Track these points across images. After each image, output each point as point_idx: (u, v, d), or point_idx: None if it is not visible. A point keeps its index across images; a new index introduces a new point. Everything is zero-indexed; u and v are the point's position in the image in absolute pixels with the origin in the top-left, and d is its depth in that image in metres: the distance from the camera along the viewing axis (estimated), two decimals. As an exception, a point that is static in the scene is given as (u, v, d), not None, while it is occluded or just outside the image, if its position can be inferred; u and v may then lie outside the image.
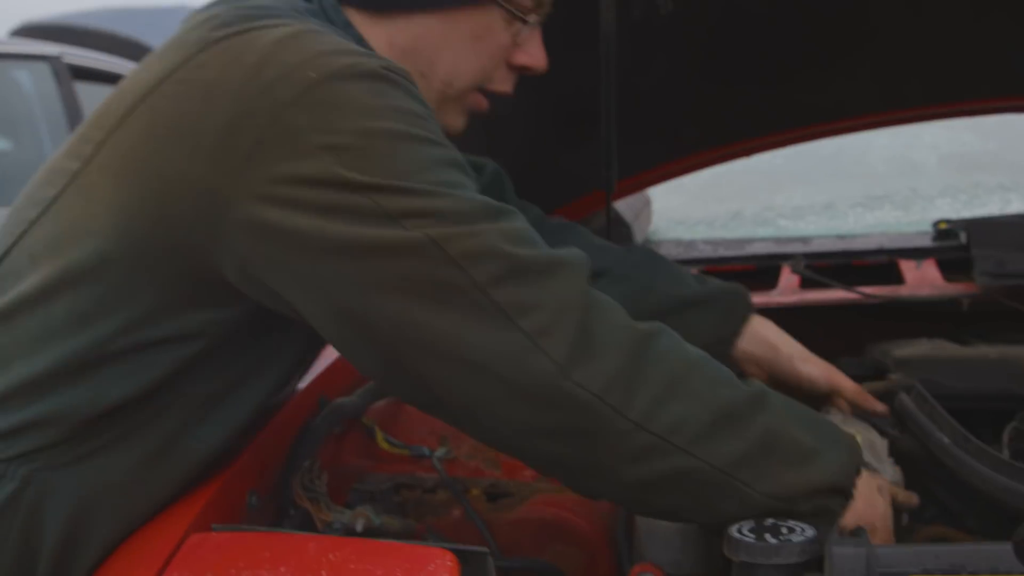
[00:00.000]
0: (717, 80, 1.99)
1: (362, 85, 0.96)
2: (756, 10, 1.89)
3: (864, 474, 1.07)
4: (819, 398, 1.47)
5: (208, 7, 1.09)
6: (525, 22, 1.17)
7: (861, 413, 1.51)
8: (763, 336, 1.45)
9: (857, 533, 0.99)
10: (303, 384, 1.35)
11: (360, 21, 1.12)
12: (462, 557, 0.95)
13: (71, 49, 4.37)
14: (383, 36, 1.13)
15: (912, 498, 1.23)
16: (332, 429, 1.35)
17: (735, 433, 0.98)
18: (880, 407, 1.46)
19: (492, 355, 0.94)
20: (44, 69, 4.07)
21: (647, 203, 2.69)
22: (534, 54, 1.20)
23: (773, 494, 0.99)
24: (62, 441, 1.03)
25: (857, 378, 1.85)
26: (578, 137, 1.91)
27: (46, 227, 1.04)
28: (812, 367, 1.45)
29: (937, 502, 1.54)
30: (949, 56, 1.99)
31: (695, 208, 2.73)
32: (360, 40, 1.11)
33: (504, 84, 1.21)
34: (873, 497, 1.07)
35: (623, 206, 2.43)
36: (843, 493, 1.02)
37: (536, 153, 2.13)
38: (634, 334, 0.98)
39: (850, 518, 1.03)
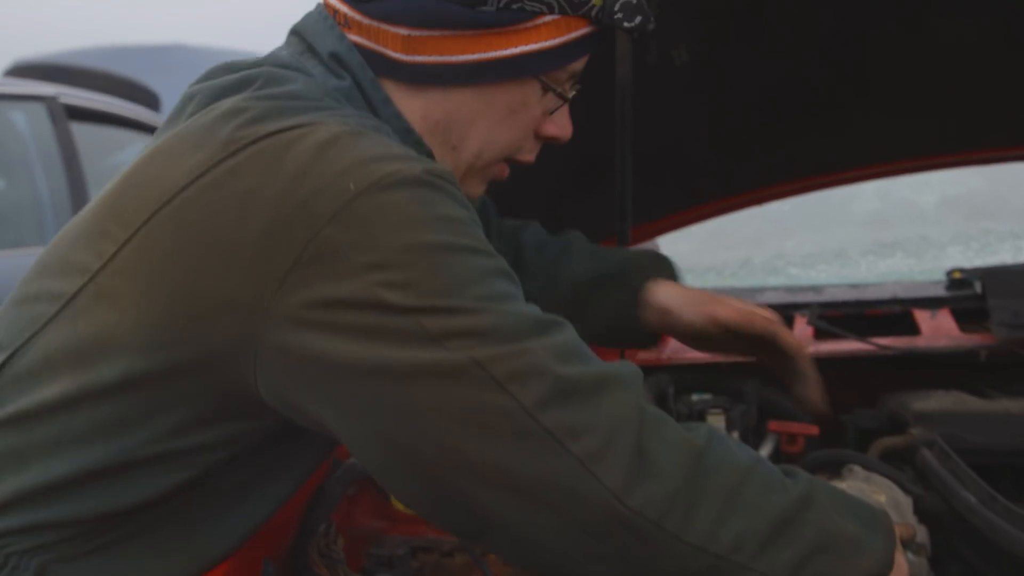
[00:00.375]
0: (730, 129, 1.98)
1: (403, 194, 0.92)
2: (769, 61, 1.89)
3: None
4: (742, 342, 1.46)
5: (231, 85, 1.05)
6: (564, 98, 1.15)
7: (885, 469, 1.49)
8: (658, 303, 1.46)
9: None
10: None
11: (397, 93, 1.10)
12: None
13: (67, 89, 4.35)
14: (418, 108, 1.10)
15: (910, 530, 1.22)
16: (346, 490, 1.32)
17: (791, 539, 0.95)
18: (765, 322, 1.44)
19: (542, 482, 0.89)
20: (40, 109, 4.04)
21: (657, 250, 2.67)
22: (563, 125, 1.18)
23: None
24: (77, 536, 0.99)
25: (874, 431, 1.83)
26: (592, 184, 1.90)
27: (64, 329, 0.99)
28: (691, 314, 1.45)
29: (962, 560, 1.51)
30: (963, 105, 1.99)
31: (704, 255, 2.71)
32: (398, 117, 1.09)
33: (530, 155, 1.19)
34: (899, 559, 1.05)
35: (632, 254, 2.41)
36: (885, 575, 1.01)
37: (551, 199, 2.12)
38: (689, 449, 0.93)
39: None
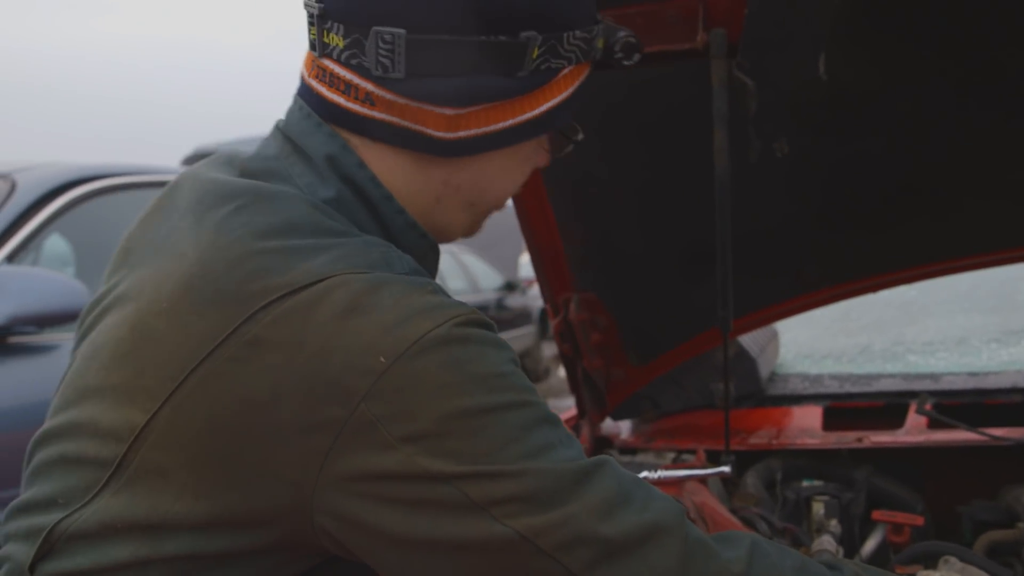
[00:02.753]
0: (838, 218, 2.00)
1: (435, 359, 0.92)
2: (878, 148, 1.90)
3: None
4: None
5: (225, 212, 1.03)
6: (575, 142, 1.19)
7: (983, 563, 1.48)
8: None
9: None
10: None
11: (414, 166, 1.10)
12: None
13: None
14: (439, 176, 1.11)
15: None
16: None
17: None
18: None
19: None
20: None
21: (774, 336, 2.67)
22: (548, 151, 1.20)
23: None
24: None
25: (990, 524, 1.80)
26: (700, 274, 1.94)
27: (119, 499, 0.98)
28: None
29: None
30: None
31: (824, 341, 2.69)
32: (402, 212, 1.10)
33: (523, 185, 1.21)
34: None
35: (748, 340, 2.42)
36: None
37: (661, 289, 2.17)
38: None
39: None
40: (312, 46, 1.10)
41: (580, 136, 1.19)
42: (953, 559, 1.47)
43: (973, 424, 1.94)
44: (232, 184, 1.06)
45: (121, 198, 3.88)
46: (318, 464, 0.92)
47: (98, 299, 1.12)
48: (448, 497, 0.91)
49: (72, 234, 3.85)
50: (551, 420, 0.97)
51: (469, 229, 1.19)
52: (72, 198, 3.57)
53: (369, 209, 1.08)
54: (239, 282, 0.97)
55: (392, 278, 0.98)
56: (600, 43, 1.12)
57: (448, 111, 1.06)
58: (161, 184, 4.12)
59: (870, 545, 1.84)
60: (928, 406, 1.99)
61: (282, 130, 1.12)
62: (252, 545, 0.97)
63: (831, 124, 1.84)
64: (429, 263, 1.14)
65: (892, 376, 2.39)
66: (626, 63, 1.14)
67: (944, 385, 2.28)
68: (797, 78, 1.73)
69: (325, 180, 1.07)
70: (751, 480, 1.93)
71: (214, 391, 0.95)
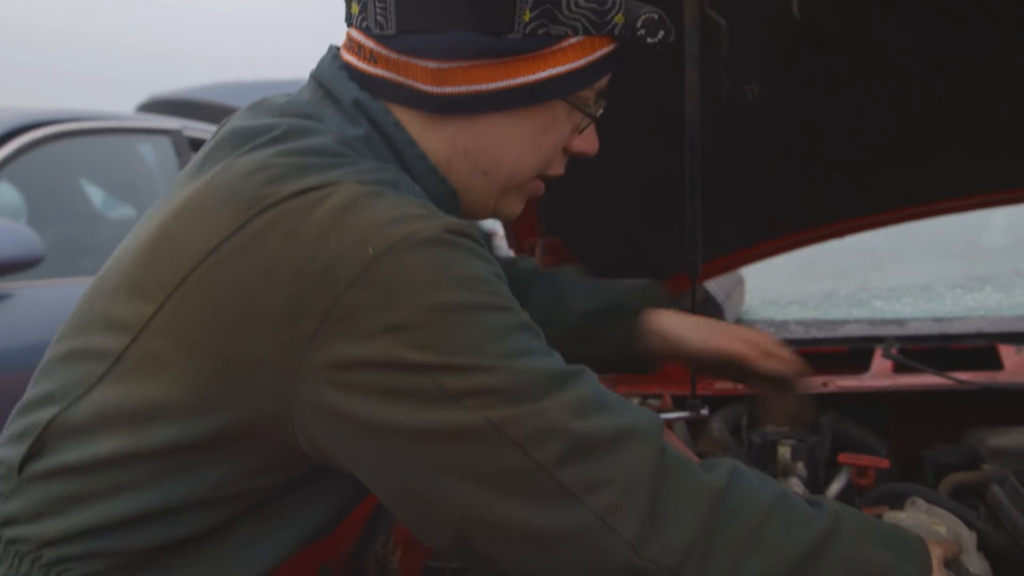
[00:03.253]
0: (808, 162, 1.99)
1: (422, 255, 0.95)
2: (848, 92, 1.89)
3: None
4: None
5: (255, 130, 1.09)
6: (592, 117, 1.16)
7: (948, 504, 1.48)
8: (662, 331, 1.52)
9: None
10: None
11: (421, 124, 1.11)
12: None
13: (191, 123, 4.57)
14: (446, 137, 1.12)
15: (955, 547, 1.21)
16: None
17: (816, 574, 0.97)
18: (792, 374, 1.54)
19: (560, 536, 0.93)
20: (165, 142, 4.25)
21: (740, 282, 2.67)
22: (590, 140, 1.19)
23: None
24: (130, 562, 1.04)
25: (953, 467, 1.81)
26: (668, 218, 1.93)
27: (114, 389, 1.02)
28: (700, 343, 1.51)
29: (1031, 600, 1.49)
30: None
31: (789, 288, 2.70)
32: (423, 158, 1.12)
33: (559, 168, 1.19)
34: None
35: (715, 286, 2.42)
36: None
37: (627, 233, 2.16)
38: (707, 494, 0.96)
39: None
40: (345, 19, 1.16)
41: (599, 113, 1.17)
42: (920, 500, 1.47)
43: (938, 369, 1.95)
44: (267, 122, 1.10)
45: (73, 144, 3.81)
46: (302, 351, 0.95)
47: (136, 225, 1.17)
48: (423, 387, 0.93)
49: (22, 182, 3.77)
50: (532, 329, 0.99)
51: (496, 203, 1.18)
52: (22, 144, 3.48)
53: (393, 152, 1.11)
54: (255, 186, 1.01)
55: (395, 192, 1.03)
56: (619, 18, 1.09)
57: (431, 64, 1.08)
58: (114, 130, 4.07)
59: (835, 488, 1.85)
60: (894, 350, 1.99)
61: (315, 76, 1.16)
62: (232, 441, 0.99)
63: (803, 67, 1.83)
64: (449, 210, 1.13)
65: (858, 322, 2.41)
66: (650, 40, 1.10)
67: (909, 330, 2.29)
68: (770, 18, 1.71)
69: (355, 121, 1.11)
70: (717, 425, 1.93)
71: (218, 279, 0.99)
